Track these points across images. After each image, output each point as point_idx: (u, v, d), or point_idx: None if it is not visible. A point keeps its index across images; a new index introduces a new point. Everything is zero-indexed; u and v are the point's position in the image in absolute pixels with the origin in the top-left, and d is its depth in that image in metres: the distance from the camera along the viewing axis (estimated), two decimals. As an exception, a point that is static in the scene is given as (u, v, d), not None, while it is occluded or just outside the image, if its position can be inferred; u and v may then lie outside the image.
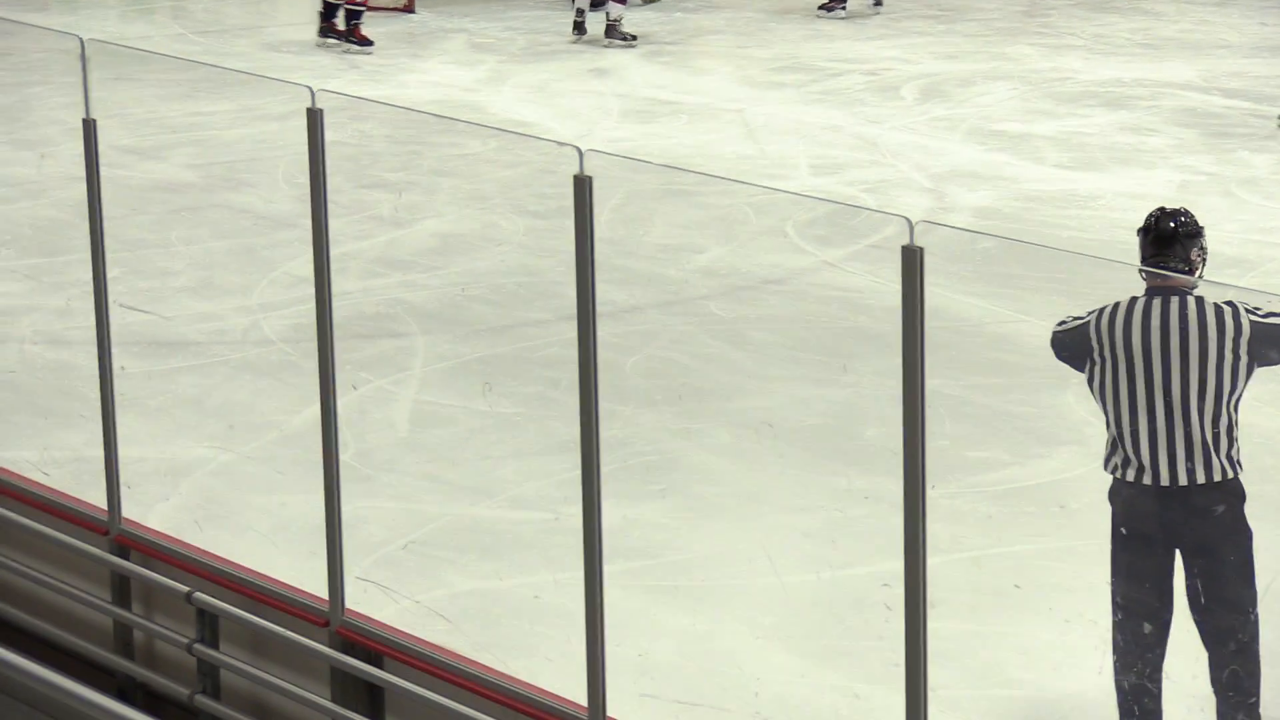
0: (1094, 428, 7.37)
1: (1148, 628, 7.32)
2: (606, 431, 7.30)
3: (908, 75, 17.99)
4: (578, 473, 7.26)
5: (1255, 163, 15.06)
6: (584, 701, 7.38)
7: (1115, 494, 7.29)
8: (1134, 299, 7.24)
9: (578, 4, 19.40)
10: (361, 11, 18.92)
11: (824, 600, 8.69)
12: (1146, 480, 7.18)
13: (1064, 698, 7.84)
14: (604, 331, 7.24)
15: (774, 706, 7.90)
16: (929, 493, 6.34)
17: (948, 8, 20.84)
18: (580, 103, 17.11)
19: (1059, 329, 7.37)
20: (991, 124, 16.25)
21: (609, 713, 7.35)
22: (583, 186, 7.05)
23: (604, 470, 7.28)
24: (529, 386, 10.86)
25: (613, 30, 19.17)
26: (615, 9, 19.13)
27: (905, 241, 6.12)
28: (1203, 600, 7.28)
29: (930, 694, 6.40)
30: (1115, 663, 7.39)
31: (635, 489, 9.45)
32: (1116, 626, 7.37)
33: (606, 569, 7.31)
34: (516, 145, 14.33)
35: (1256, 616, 7.29)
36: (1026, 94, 17.29)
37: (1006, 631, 8.35)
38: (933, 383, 6.33)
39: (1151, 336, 7.15)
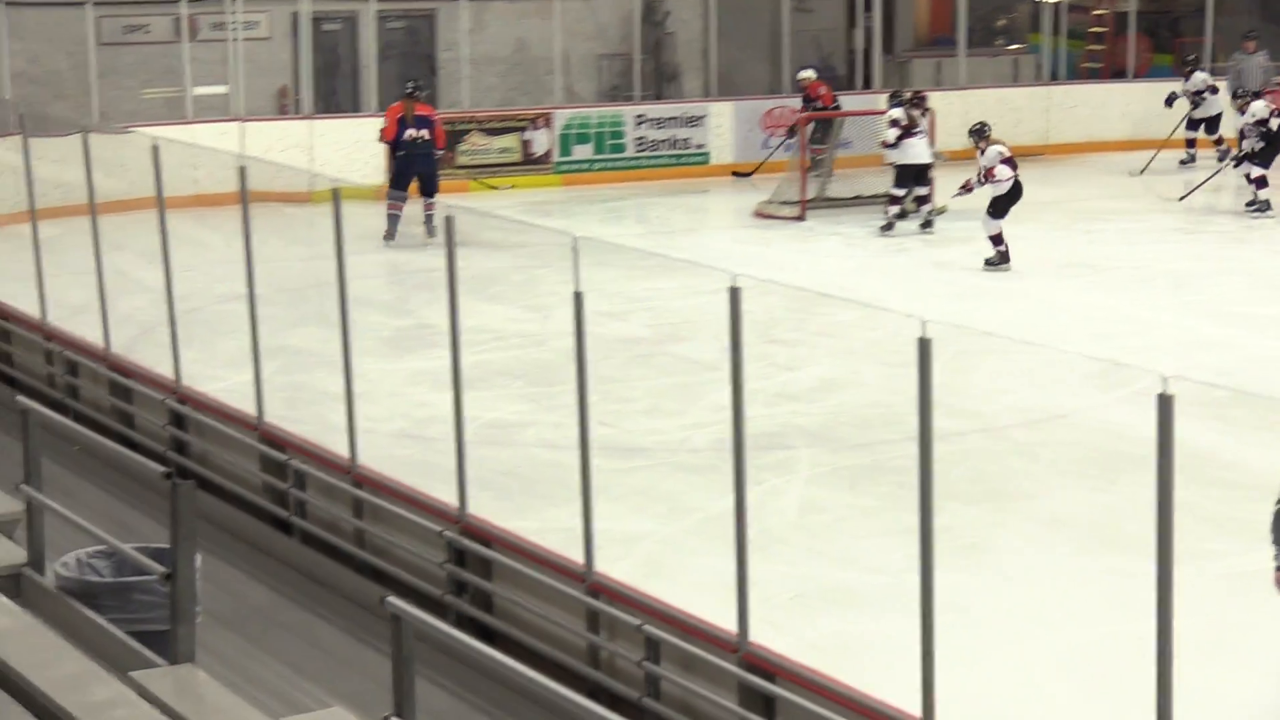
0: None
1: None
2: (937, 521, 7.26)
3: (1161, 270, 17.65)
4: (917, 549, 7.23)
5: None
6: (919, 713, 7.32)
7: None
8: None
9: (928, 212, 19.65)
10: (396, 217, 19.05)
11: (1095, 648, 8.53)
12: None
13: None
14: (937, 449, 7.21)
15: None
16: (1175, 573, 6.21)
17: (1187, 224, 20.39)
18: (923, 286, 17.03)
19: (1278, 507, 7.19)
20: (1224, 307, 15.86)
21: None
22: (924, 347, 7.05)
23: (935, 548, 7.24)
24: (883, 487, 10.81)
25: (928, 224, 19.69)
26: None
27: (1160, 391, 6.02)
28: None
29: None
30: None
31: (958, 562, 9.34)
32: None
33: (936, 618, 7.26)
34: (875, 315, 14.29)
35: None
36: (1250, 285, 16.86)
37: (1235, 678, 8.12)
38: (1178, 493, 6.22)
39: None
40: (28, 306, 14.50)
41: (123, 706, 6.33)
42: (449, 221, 9.71)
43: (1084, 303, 16.18)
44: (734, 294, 7.90)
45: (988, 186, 17.62)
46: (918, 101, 20.26)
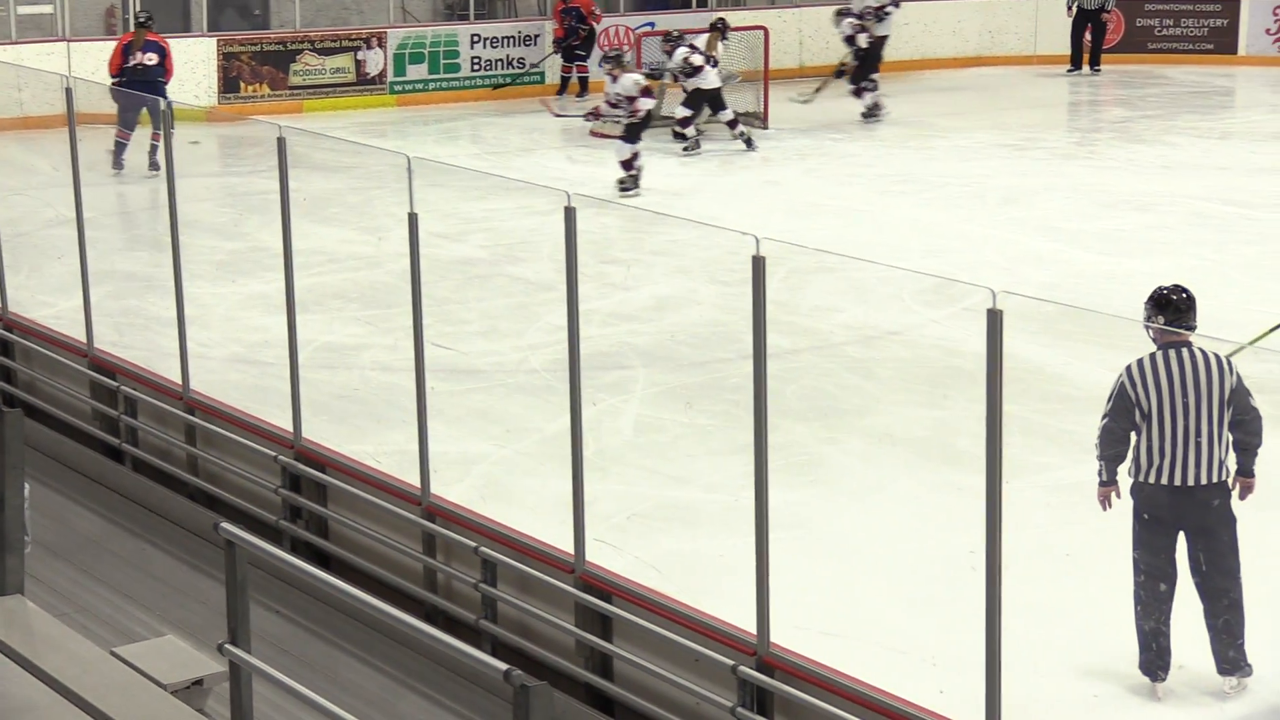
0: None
1: (1162, 587, 7.22)
2: (772, 439, 7.27)
3: (991, 187, 17.81)
4: (752, 467, 7.24)
5: (1245, 252, 14.80)
6: (754, 630, 7.36)
7: (1138, 490, 7.19)
8: (1154, 353, 7.18)
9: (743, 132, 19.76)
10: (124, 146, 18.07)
11: (926, 561, 8.61)
12: (1164, 481, 7.09)
13: (1104, 637, 7.72)
14: (772, 367, 7.21)
15: (887, 635, 7.84)
16: (1004, 487, 6.27)
17: (1017, 141, 20.60)
18: (757, 204, 17.06)
19: (1104, 421, 7.25)
20: (1052, 223, 16.04)
21: (772, 639, 7.32)
22: (758, 265, 7.03)
23: (770, 466, 7.26)
24: (718, 405, 10.83)
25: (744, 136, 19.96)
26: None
27: (989, 306, 6.05)
28: (1204, 568, 7.18)
29: (1002, 631, 6.32)
30: (1138, 611, 7.28)
31: (792, 480, 9.40)
32: (1139, 585, 7.26)
33: (771, 536, 7.28)
34: (711, 234, 14.29)
35: (1241, 580, 7.18)
36: (1077, 201, 17.06)
37: (1060, 588, 8.23)
38: (1008, 407, 6.26)
39: (1173, 378, 7.08)
40: None
41: (-52, 641, 6.18)
42: (281, 143, 9.53)
43: (916, 219, 16.29)
44: (569, 214, 7.82)
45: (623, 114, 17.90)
46: (722, 27, 20.48)
